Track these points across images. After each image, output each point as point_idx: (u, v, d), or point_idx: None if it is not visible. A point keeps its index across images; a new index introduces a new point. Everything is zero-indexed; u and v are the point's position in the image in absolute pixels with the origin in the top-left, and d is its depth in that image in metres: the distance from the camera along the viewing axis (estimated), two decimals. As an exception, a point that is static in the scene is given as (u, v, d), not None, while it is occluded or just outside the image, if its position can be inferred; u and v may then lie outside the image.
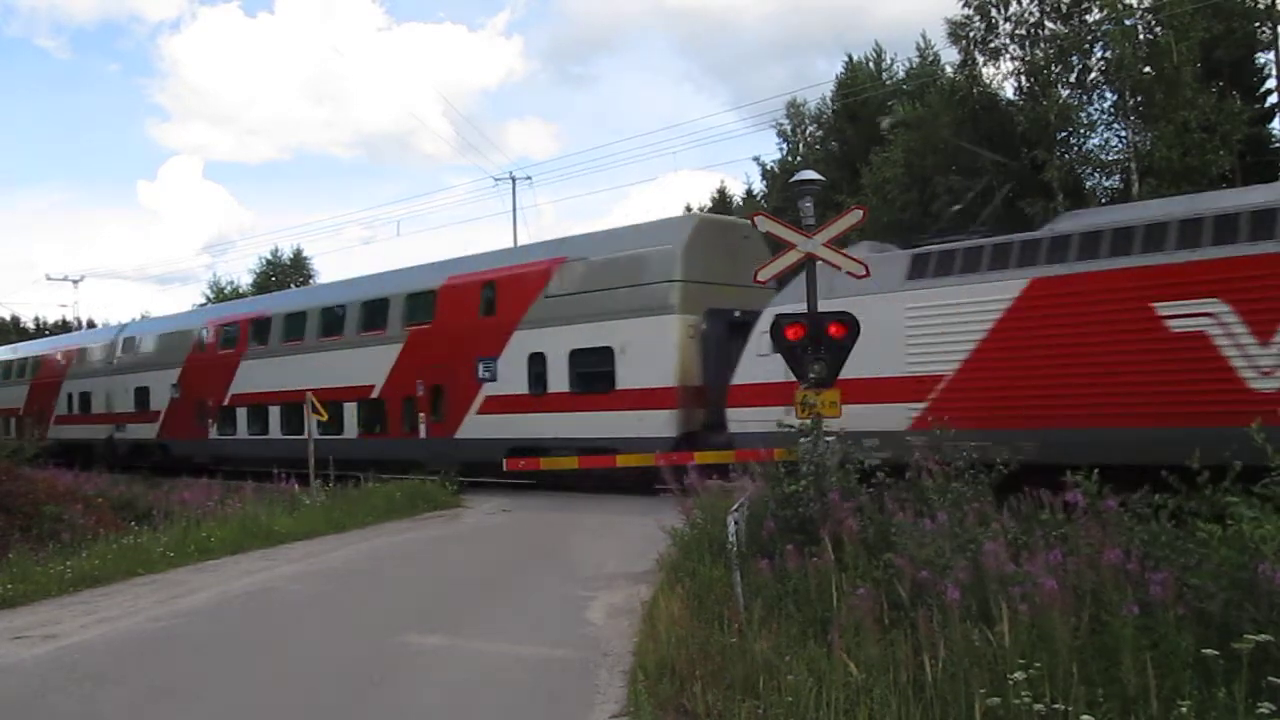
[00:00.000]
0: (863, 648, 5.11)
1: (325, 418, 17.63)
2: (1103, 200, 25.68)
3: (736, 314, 15.74)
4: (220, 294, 49.76)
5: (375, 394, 20.48)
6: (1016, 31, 26.40)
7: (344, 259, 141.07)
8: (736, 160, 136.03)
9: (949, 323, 12.53)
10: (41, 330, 79.05)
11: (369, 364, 20.73)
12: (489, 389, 18.61)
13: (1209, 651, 4.40)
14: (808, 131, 40.63)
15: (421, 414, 19.65)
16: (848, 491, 7.73)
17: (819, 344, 8.78)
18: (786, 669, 5.09)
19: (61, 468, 21.09)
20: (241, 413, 24.07)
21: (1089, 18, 25.30)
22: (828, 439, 8.42)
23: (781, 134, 41.11)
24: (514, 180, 38.77)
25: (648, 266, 16.44)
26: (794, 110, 40.31)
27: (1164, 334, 10.85)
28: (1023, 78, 26.78)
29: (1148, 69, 23.49)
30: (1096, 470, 6.18)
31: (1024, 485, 7.33)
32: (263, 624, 8.29)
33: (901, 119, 29.65)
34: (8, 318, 77.90)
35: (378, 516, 15.24)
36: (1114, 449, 10.43)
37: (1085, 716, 4.09)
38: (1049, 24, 26.19)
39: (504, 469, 17.68)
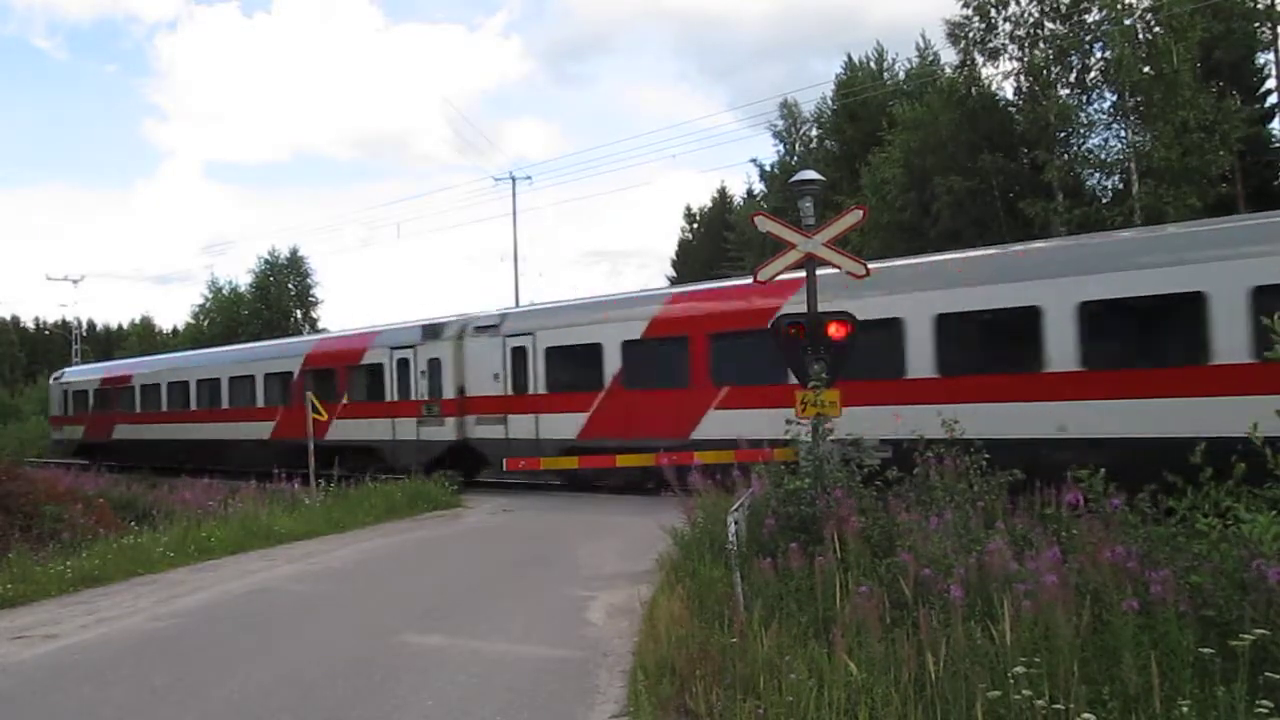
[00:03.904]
0: (865, 647, 5.12)
1: (325, 417, 17.72)
2: (1103, 200, 25.67)
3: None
4: (218, 294, 49.64)
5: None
6: (1016, 32, 26.39)
7: (343, 259, 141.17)
8: (737, 162, 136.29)
9: None
10: (41, 330, 79.21)
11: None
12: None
13: (1206, 650, 4.41)
14: (805, 132, 40.68)
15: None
16: (851, 490, 7.74)
17: (820, 344, 8.80)
18: (787, 668, 5.09)
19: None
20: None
21: (1088, 18, 25.29)
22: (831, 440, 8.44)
23: (777, 134, 41.19)
24: (514, 180, 38.80)
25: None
26: (788, 110, 40.38)
27: None
28: (1022, 78, 26.77)
29: (1147, 69, 23.48)
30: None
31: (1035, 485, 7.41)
32: (262, 624, 8.28)
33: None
34: (8, 318, 78.07)
35: (378, 516, 15.24)
36: None
37: (1086, 715, 4.09)
38: (1048, 24, 26.19)
39: (504, 469, 17.92)
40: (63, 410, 34.11)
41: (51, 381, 35.75)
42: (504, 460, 17.99)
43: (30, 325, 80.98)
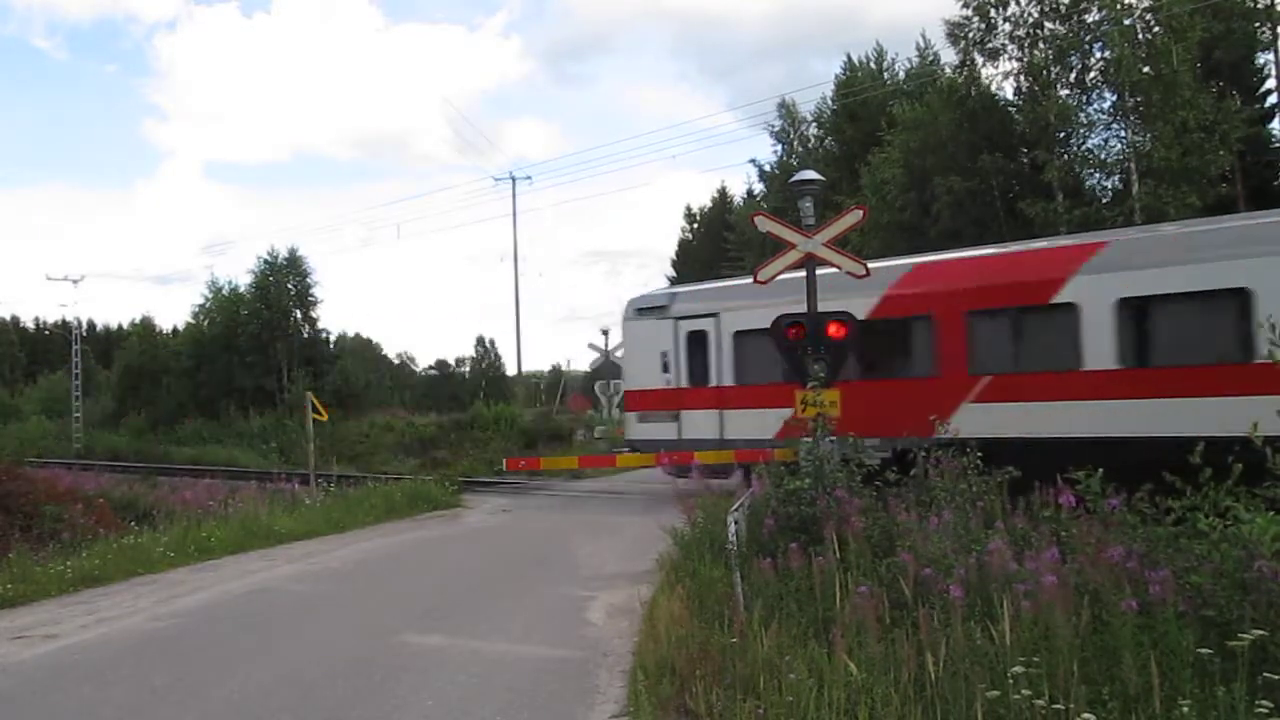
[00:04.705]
0: (864, 647, 5.12)
1: (325, 418, 17.66)
2: (1103, 200, 25.66)
3: None
4: (218, 294, 49.59)
5: None
6: (1015, 32, 26.38)
7: (343, 259, 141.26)
8: (737, 163, 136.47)
9: None
10: (41, 330, 79.09)
11: None
12: None
13: (1204, 651, 4.41)
14: (803, 131, 40.70)
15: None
16: (852, 490, 7.74)
17: (819, 344, 8.81)
18: (787, 668, 5.09)
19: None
20: None
21: (1088, 18, 25.28)
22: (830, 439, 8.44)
23: (775, 134, 41.22)
24: (514, 180, 38.79)
25: None
26: (787, 110, 40.42)
27: None
28: (1022, 78, 26.77)
29: (1147, 69, 23.47)
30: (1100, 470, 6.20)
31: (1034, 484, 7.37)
32: (262, 624, 8.28)
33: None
34: (8, 318, 78.04)
35: (378, 516, 15.24)
36: None
37: (1086, 715, 4.09)
38: (1048, 24, 26.18)
39: (505, 469, 17.88)
40: (682, 373, 16.25)
41: (632, 315, 17.43)
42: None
43: (30, 325, 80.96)
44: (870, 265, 10.09)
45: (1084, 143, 26.08)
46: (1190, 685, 4.28)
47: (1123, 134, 25.12)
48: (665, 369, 16.21)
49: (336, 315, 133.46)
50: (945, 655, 4.76)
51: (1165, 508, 5.79)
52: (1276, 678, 4.15)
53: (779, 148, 41.32)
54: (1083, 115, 25.54)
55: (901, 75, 36.61)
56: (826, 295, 9.65)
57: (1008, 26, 26.43)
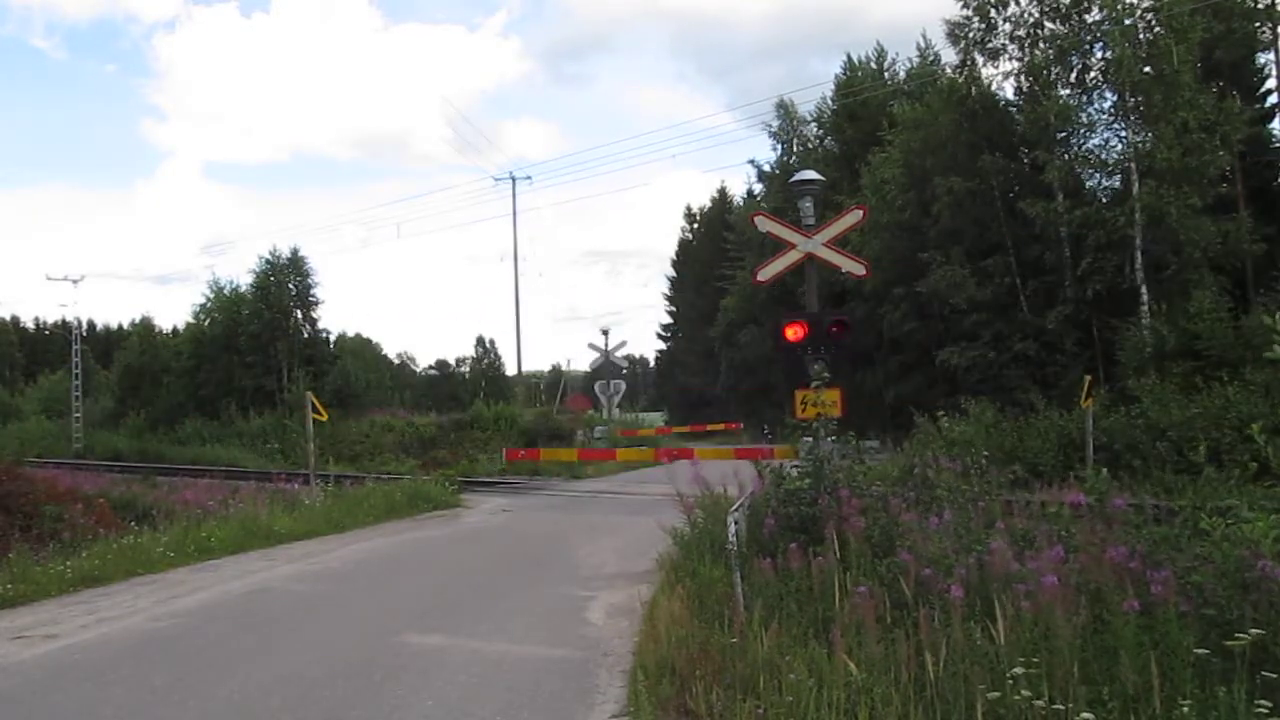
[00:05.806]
0: (864, 647, 5.11)
1: (325, 418, 17.64)
2: (1103, 200, 25.64)
3: None
4: (220, 294, 49.56)
5: None
6: (1016, 32, 26.38)
7: (343, 259, 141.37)
8: (737, 163, 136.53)
9: None
10: (41, 330, 79.09)
11: None
12: None
13: (1201, 651, 4.41)
14: (803, 132, 40.73)
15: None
16: (854, 490, 7.73)
17: (820, 344, 8.81)
18: (787, 668, 5.09)
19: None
20: None
21: (1088, 18, 25.26)
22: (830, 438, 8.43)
23: (773, 134, 41.26)
24: (514, 180, 38.79)
25: None
26: (785, 110, 40.44)
27: None
28: (1022, 78, 26.76)
29: (1147, 69, 23.45)
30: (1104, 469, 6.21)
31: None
32: (262, 624, 8.27)
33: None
34: (8, 318, 78.04)
35: (378, 516, 15.24)
36: None
37: (1085, 715, 4.09)
38: (1048, 24, 26.17)
39: (505, 460, 17.91)
40: None
41: None
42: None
43: (30, 325, 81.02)
44: None
45: (1084, 143, 26.08)
46: (1191, 685, 4.28)
47: (1123, 134, 25.10)
48: None
49: (336, 315, 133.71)
50: (945, 655, 4.76)
51: (1169, 508, 5.79)
52: (1276, 677, 4.14)
53: (778, 148, 41.40)
54: (1083, 115, 25.53)
55: (901, 75, 36.66)
56: None
57: (1008, 26, 26.45)
